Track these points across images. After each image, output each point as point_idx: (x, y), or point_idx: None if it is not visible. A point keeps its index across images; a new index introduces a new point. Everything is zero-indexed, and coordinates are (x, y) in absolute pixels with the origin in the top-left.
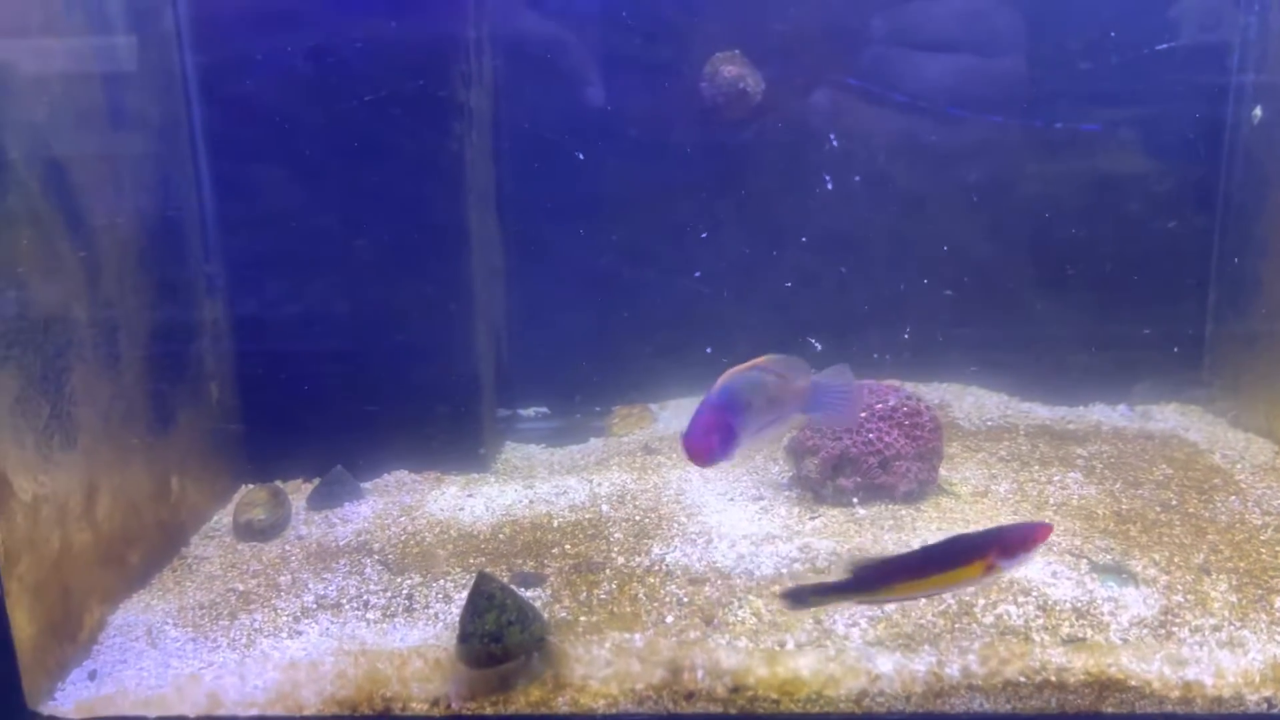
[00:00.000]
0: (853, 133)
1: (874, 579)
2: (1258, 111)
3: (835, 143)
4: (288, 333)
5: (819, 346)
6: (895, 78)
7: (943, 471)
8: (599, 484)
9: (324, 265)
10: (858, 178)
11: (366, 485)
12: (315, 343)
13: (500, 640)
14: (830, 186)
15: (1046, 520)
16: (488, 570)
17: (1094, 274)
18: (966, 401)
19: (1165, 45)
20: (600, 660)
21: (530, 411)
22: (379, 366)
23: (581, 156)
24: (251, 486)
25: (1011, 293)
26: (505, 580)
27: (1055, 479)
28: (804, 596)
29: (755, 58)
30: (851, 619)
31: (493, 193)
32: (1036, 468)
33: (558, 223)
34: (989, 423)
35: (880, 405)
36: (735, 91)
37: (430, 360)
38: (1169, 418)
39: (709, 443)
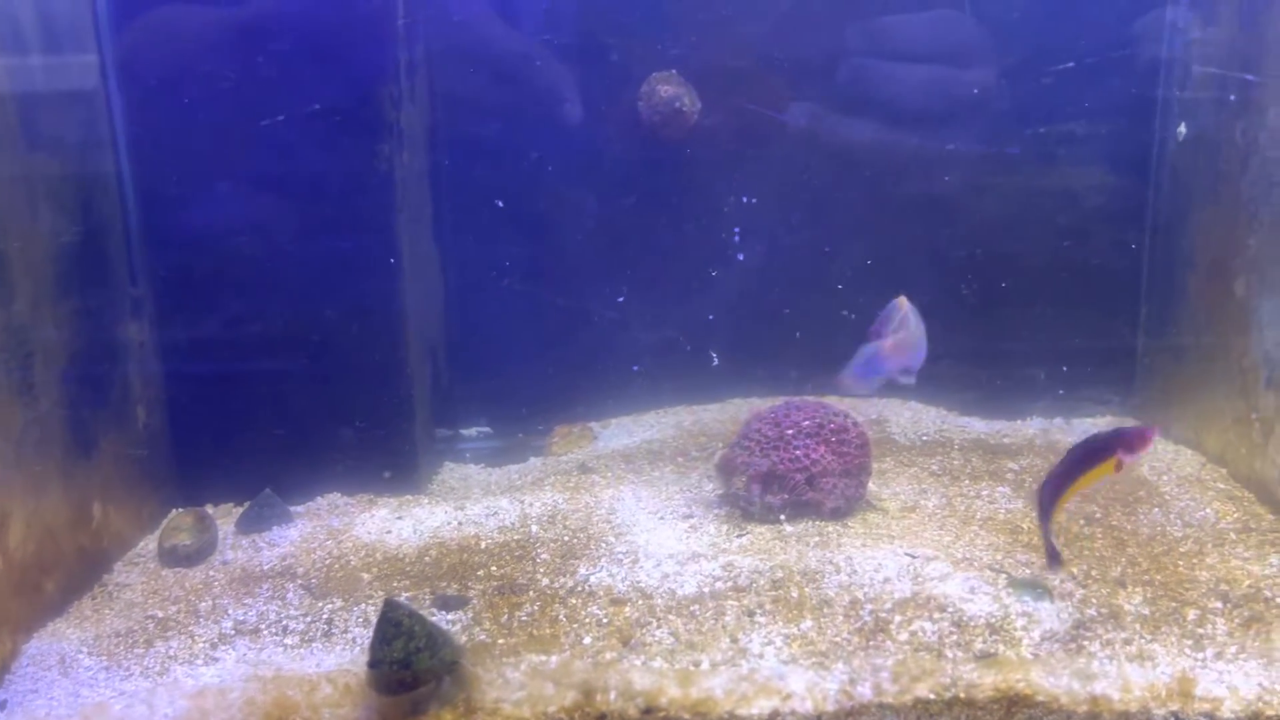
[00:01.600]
0: (786, 151)
1: (1048, 500)
2: (1182, 129)
3: (767, 161)
4: (218, 355)
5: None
6: (829, 96)
7: (873, 487)
8: (531, 504)
9: (253, 287)
10: (791, 196)
11: (299, 508)
12: (246, 365)
13: (409, 666)
14: (757, 204)
15: (969, 532)
16: (399, 598)
17: (1032, 288)
18: (904, 416)
19: (1095, 60)
20: (514, 683)
21: (472, 431)
22: (310, 388)
23: (522, 176)
24: (179, 511)
25: (949, 307)
26: (428, 602)
27: (984, 493)
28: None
29: (691, 77)
30: (767, 638)
31: (429, 213)
32: (967, 482)
33: (499, 242)
34: (924, 437)
35: (807, 422)
36: (671, 111)
37: (362, 381)
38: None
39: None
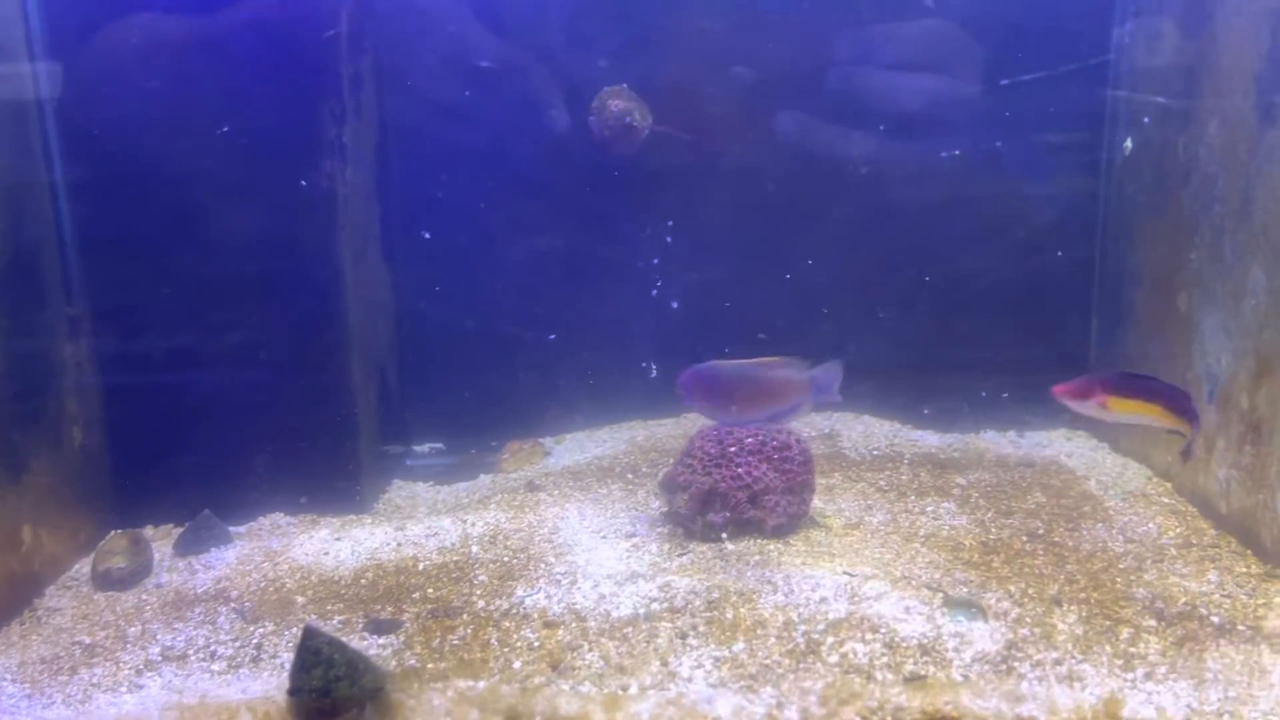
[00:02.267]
0: (737, 167)
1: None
2: (1128, 143)
3: (718, 177)
4: (157, 374)
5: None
6: (778, 112)
7: (818, 503)
8: (474, 524)
9: (192, 306)
10: (743, 212)
11: (240, 529)
12: (186, 383)
13: (329, 695)
14: (709, 220)
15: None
16: (318, 624)
17: (986, 302)
18: (856, 430)
19: (1046, 73)
20: (439, 710)
21: (424, 447)
22: (252, 407)
23: (475, 191)
24: (115, 533)
25: (904, 321)
26: (360, 626)
27: (929, 509)
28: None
29: (642, 92)
30: (698, 660)
31: (377, 229)
32: (913, 498)
33: (451, 257)
34: (875, 452)
35: (750, 440)
36: (622, 126)
37: (304, 400)
38: (1055, 444)
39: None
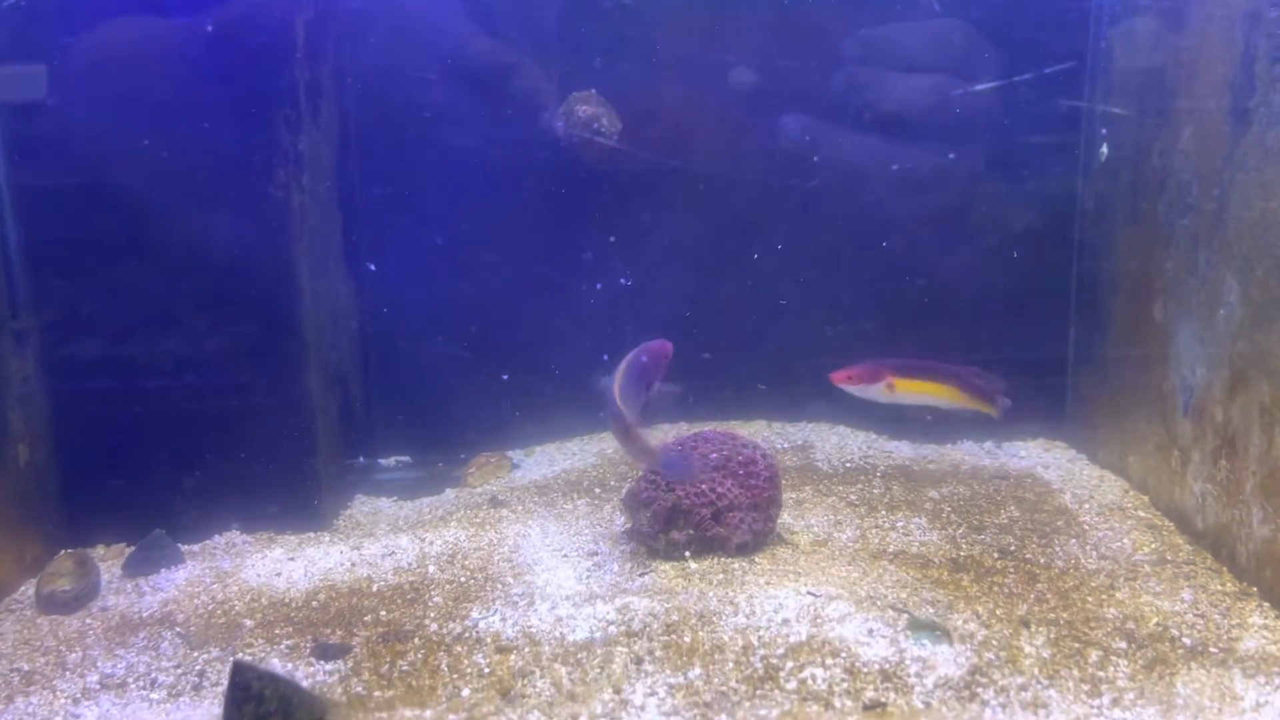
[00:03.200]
0: (709, 172)
1: None
2: (1104, 150)
3: (690, 182)
4: (107, 389)
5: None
6: (756, 117)
7: (786, 518)
8: (432, 543)
9: (144, 318)
10: (716, 217)
11: (194, 548)
12: (137, 398)
13: None
14: (683, 226)
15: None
16: (247, 659)
17: (964, 309)
18: (830, 442)
19: (1023, 77)
20: None
21: (391, 461)
22: (206, 422)
23: (441, 198)
24: (63, 554)
25: (880, 329)
26: (307, 651)
27: (899, 525)
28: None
29: (610, 96)
30: (652, 687)
31: (338, 238)
32: (884, 513)
33: (416, 267)
34: (848, 464)
35: (715, 455)
36: (589, 132)
37: (260, 414)
38: (1033, 455)
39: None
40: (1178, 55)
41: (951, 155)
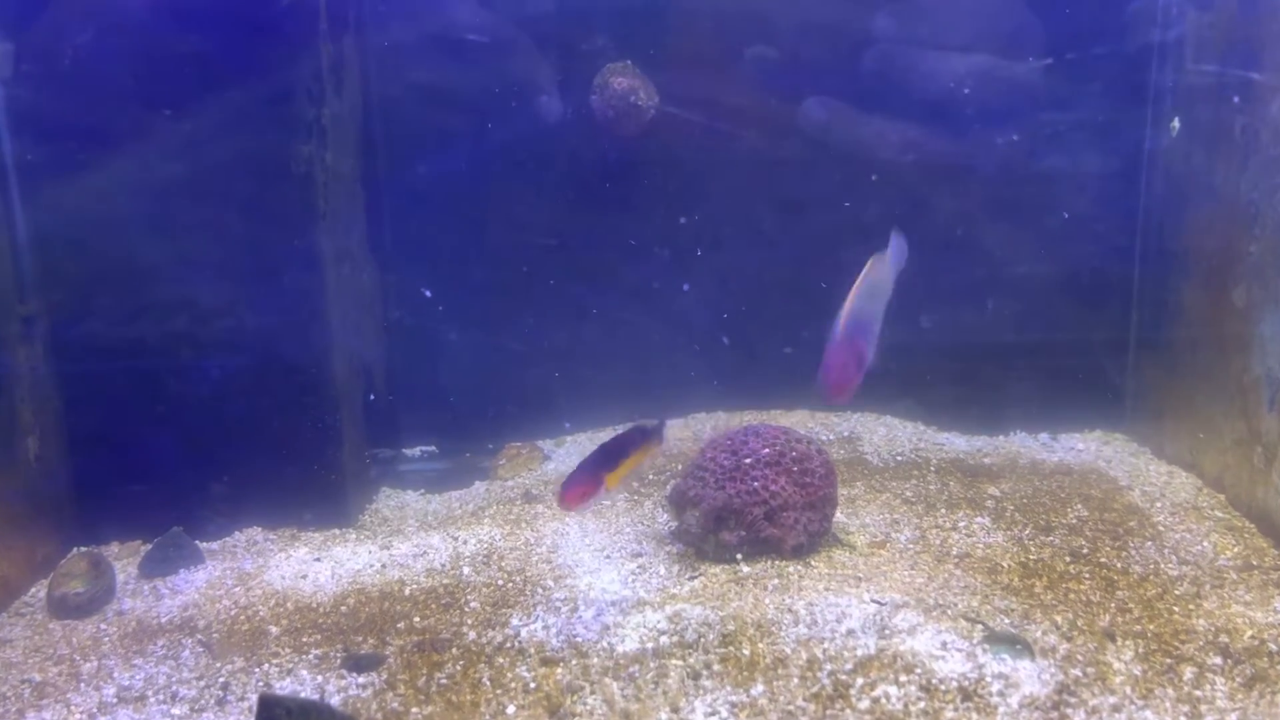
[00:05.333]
0: (751, 154)
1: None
2: (1175, 123)
3: (730, 165)
4: (121, 379)
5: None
6: (804, 91)
7: (840, 517)
8: (465, 541)
9: (160, 303)
10: (757, 202)
11: (214, 546)
12: (153, 389)
13: None
14: (720, 211)
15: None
16: (276, 692)
17: (1017, 293)
18: (878, 434)
19: (1084, 50)
20: None
21: (416, 451)
22: (225, 413)
23: (467, 176)
24: (75, 553)
25: (930, 313)
26: (338, 662)
27: (961, 524)
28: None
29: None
30: (712, 706)
31: (363, 220)
32: (943, 511)
33: (445, 247)
34: (899, 458)
35: (767, 451)
36: (626, 105)
37: (282, 405)
38: (1092, 448)
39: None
40: (1263, 22)
41: (1015, 136)
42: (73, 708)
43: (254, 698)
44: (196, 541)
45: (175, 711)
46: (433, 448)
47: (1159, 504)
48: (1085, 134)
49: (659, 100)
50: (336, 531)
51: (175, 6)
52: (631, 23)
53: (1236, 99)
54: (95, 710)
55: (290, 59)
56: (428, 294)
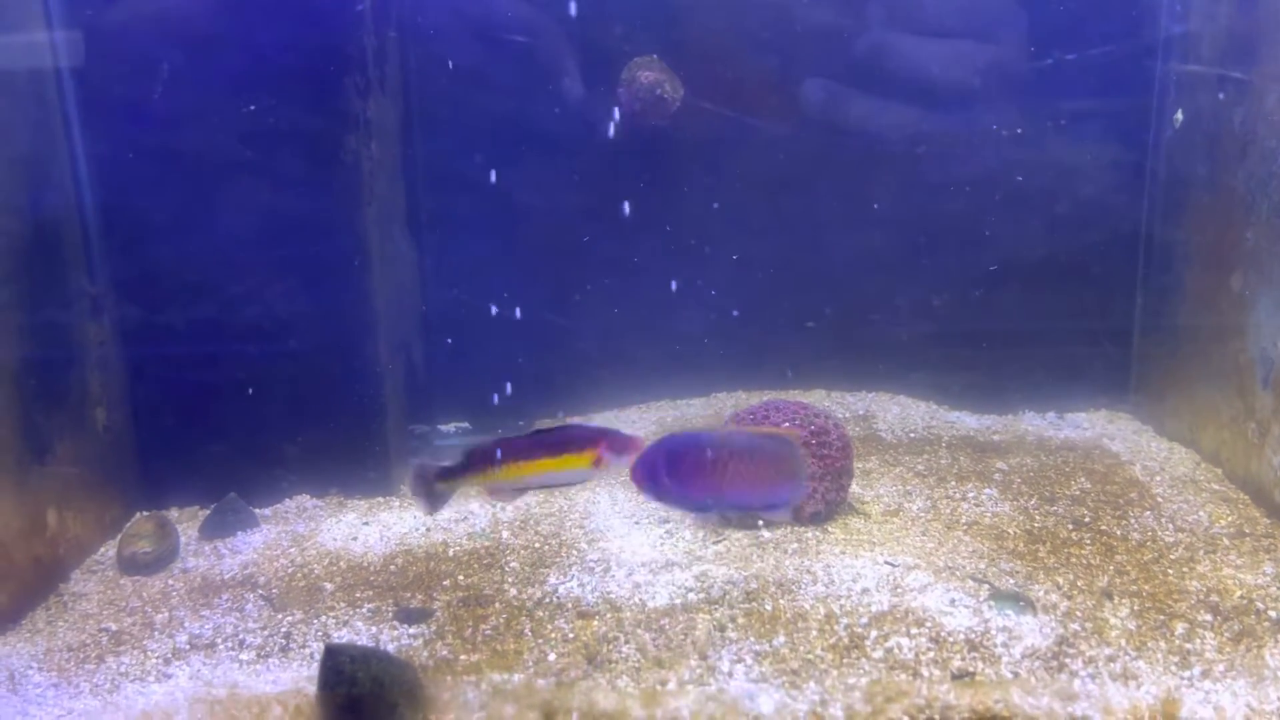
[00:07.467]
0: (776, 141)
1: (484, 459)
2: (1179, 115)
3: (756, 151)
4: (182, 354)
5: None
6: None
7: (855, 488)
8: (503, 508)
9: (218, 285)
10: (781, 187)
11: (266, 511)
12: (211, 364)
13: (358, 711)
14: (746, 197)
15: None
16: (340, 641)
17: (1026, 277)
18: (891, 412)
19: (1090, 43)
20: (474, 704)
21: (450, 427)
22: (277, 387)
23: (502, 166)
24: (141, 516)
25: (940, 299)
26: (390, 615)
27: (970, 495)
28: (429, 479)
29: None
30: (738, 654)
31: (403, 205)
32: (953, 483)
33: (478, 234)
34: (912, 434)
35: (787, 425)
36: (653, 98)
37: (331, 380)
38: (1097, 426)
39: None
40: (1262, 17)
41: (1019, 129)
42: (149, 653)
43: (315, 645)
44: (251, 507)
45: (243, 657)
46: (466, 424)
47: (1159, 477)
48: (1093, 125)
49: (684, 93)
50: (381, 499)
51: (229, 7)
52: (656, 18)
53: (1236, 92)
54: (170, 655)
55: (338, 55)
56: (462, 278)
